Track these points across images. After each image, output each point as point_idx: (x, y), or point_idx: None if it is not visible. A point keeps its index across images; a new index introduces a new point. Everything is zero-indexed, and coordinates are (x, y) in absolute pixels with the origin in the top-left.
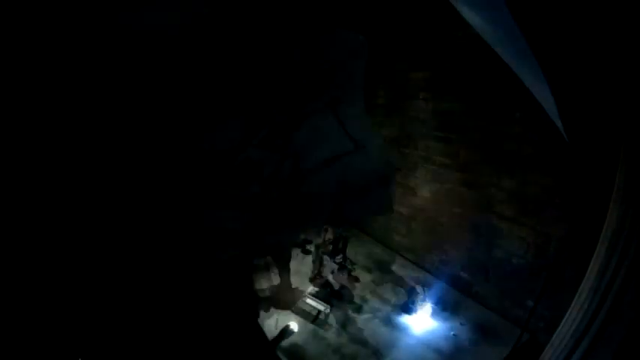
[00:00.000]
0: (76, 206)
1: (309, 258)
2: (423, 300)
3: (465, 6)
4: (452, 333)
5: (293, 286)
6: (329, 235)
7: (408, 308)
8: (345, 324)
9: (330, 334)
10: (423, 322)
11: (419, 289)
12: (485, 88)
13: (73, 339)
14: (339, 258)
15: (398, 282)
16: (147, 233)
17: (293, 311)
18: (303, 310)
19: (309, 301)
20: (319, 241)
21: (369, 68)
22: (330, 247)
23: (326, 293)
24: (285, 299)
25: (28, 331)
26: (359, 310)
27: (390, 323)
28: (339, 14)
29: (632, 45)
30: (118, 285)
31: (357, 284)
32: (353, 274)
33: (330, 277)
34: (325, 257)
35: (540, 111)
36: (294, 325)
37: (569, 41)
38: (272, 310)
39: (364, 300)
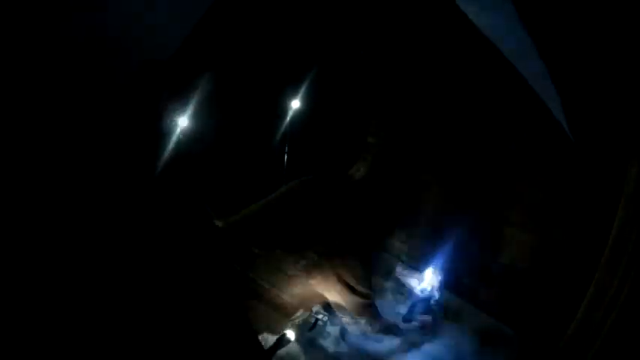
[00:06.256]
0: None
1: None
2: (425, 307)
3: (469, 5)
4: (453, 342)
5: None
6: None
7: (409, 316)
8: (343, 332)
9: (329, 343)
10: (424, 330)
11: (420, 295)
12: (489, 88)
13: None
14: None
15: (399, 289)
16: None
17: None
18: (301, 318)
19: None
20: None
21: (367, 71)
22: None
23: (324, 301)
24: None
25: (27, 331)
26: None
27: (390, 331)
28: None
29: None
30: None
31: None
32: None
33: None
34: None
35: (546, 112)
36: (290, 334)
37: (575, 39)
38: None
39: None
